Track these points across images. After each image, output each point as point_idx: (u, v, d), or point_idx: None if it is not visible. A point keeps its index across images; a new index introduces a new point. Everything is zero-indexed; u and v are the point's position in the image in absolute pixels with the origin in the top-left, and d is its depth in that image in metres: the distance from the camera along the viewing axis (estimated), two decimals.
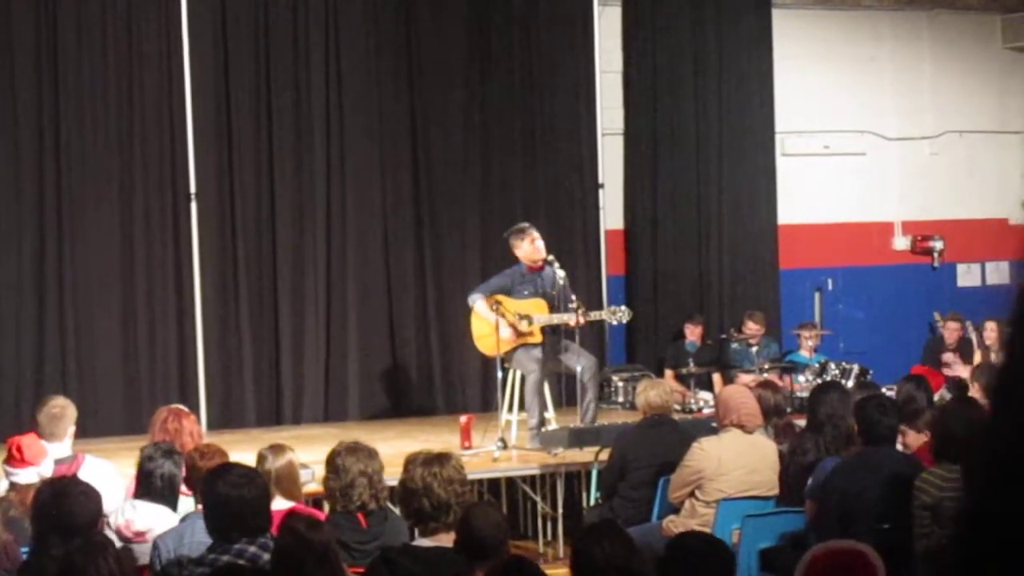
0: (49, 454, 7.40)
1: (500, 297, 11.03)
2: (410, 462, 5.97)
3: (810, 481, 7.81)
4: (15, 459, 7.21)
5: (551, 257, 11.09)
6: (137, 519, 6.64)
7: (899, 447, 8.06)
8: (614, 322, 11.61)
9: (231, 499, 5.48)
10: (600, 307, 13.83)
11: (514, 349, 11.04)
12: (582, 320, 10.87)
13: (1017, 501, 1.08)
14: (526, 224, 11.44)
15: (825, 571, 4.68)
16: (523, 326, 10.96)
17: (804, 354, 14.44)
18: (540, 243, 11.13)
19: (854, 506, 7.20)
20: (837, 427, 8.11)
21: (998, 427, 1.13)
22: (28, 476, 7.06)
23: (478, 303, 11.13)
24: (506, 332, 10.91)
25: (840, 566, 4.69)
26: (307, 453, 9.35)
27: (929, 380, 10.17)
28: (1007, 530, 1.08)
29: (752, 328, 14.36)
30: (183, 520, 6.38)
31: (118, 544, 6.53)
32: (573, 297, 10.95)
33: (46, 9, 12.87)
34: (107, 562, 5.13)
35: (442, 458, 5.95)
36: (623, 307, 11.45)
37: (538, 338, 11.04)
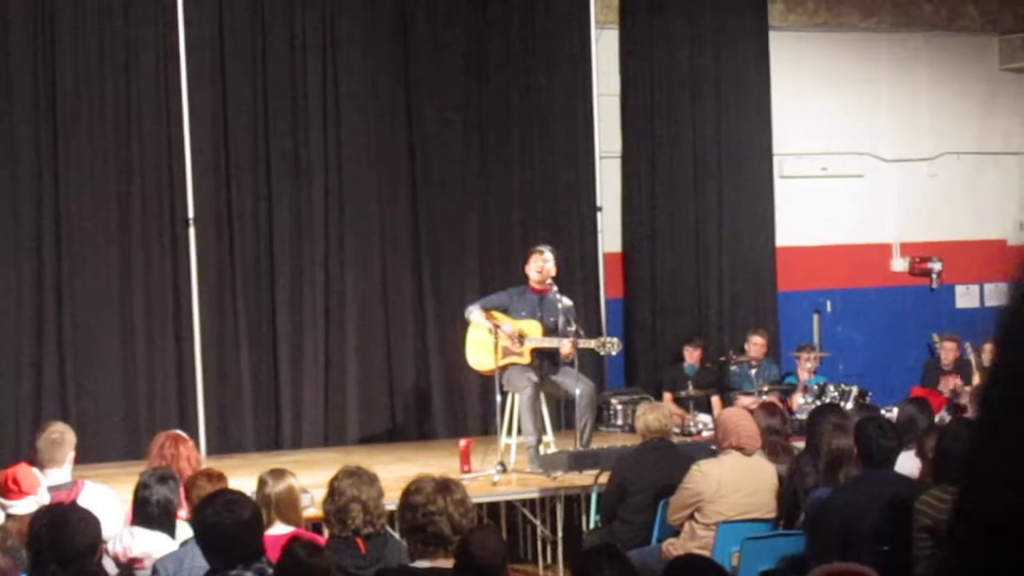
0: (44, 482, 7.38)
1: (498, 315, 11.08)
2: (422, 487, 5.87)
3: (803, 515, 7.79)
4: (12, 492, 7.19)
5: (549, 281, 11.12)
6: (135, 546, 6.64)
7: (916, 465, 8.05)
8: (603, 352, 11.61)
9: (218, 526, 5.47)
10: (599, 330, 13.85)
11: (506, 369, 11.05)
12: (574, 347, 10.86)
13: (1000, 508, 1.09)
14: (544, 247, 11.45)
15: None
16: (516, 347, 10.98)
17: (804, 376, 14.44)
18: (544, 265, 11.16)
19: (854, 528, 7.19)
20: (830, 452, 8.09)
21: (984, 439, 1.14)
22: (27, 506, 7.04)
23: (475, 314, 11.18)
24: (508, 328, 10.92)
25: None
26: (306, 477, 9.34)
27: (930, 402, 10.17)
28: (990, 539, 1.09)
29: (757, 343, 14.34)
30: (183, 545, 6.36)
31: (115, 571, 6.53)
32: (573, 324, 10.94)
33: (44, 36, 12.88)
34: None
35: (450, 483, 5.93)
36: (614, 339, 11.42)
37: (527, 359, 11.06)
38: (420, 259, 14.17)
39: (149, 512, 6.76)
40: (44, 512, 6.19)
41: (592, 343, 11.29)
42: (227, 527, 5.44)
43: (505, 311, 11.17)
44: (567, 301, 11.07)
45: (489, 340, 10.93)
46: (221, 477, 6.92)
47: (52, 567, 5.68)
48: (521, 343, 11.00)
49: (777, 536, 8.03)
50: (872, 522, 7.17)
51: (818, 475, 8.09)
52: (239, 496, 5.76)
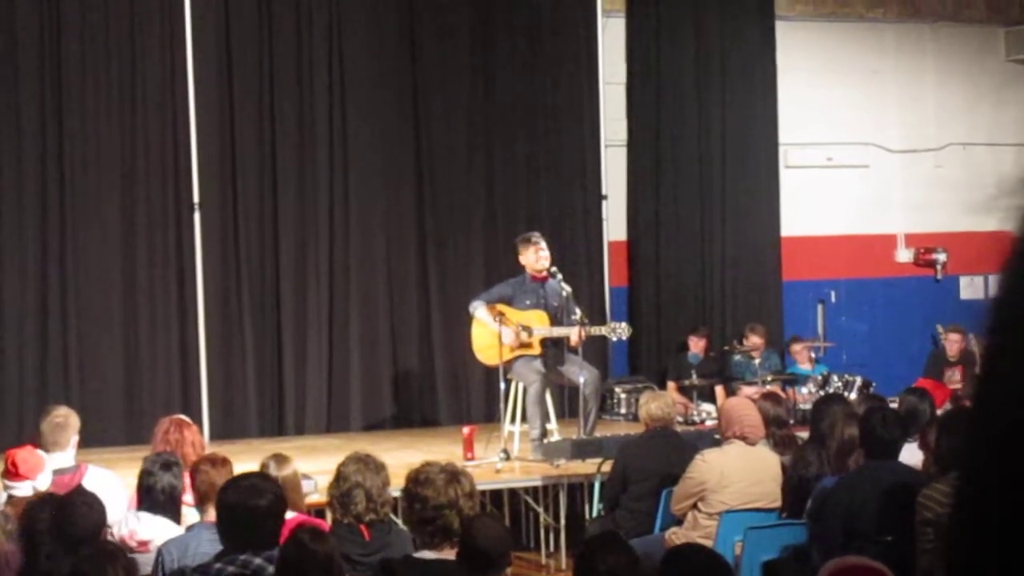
0: (47, 467, 7.38)
1: (503, 308, 11.05)
2: (432, 479, 5.80)
3: (809, 503, 7.79)
4: (11, 473, 7.20)
5: (554, 269, 11.11)
6: (140, 529, 6.64)
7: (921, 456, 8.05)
8: (614, 338, 11.61)
9: (235, 508, 5.46)
10: (603, 318, 13.85)
11: (514, 360, 11.04)
12: (583, 335, 10.85)
13: (996, 508, 1.08)
14: (534, 233, 11.44)
15: None
16: (523, 336, 10.97)
17: (805, 366, 14.44)
18: (544, 254, 11.13)
19: (857, 518, 7.19)
20: (841, 440, 8.10)
21: (977, 439, 1.13)
22: (24, 489, 7.05)
23: (479, 311, 11.14)
24: (509, 337, 10.90)
25: None
26: (309, 463, 9.36)
27: (933, 393, 10.16)
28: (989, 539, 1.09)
29: (753, 341, 14.36)
30: (189, 530, 6.37)
31: None
32: (577, 311, 10.95)
33: (50, 20, 12.88)
34: (115, 571, 5.13)
35: (459, 474, 5.88)
36: (623, 324, 11.43)
37: (537, 350, 11.05)
38: (425, 246, 14.17)
39: (155, 499, 6.76)
40: (43, 499, 6.20)
41: (602, 330, 11.29)
42: (243, 511, 5.43)
43: (509, 302, 11.15)
44: (566, 287, 11.06)
45: (496, 335, 10.92)
46: (225, 462, 6.90)
47: (56, 551, 5.69)
48: (530, 334, 10.98)
49: (780, 526, 8.03)
50: (875, 513, 7.17)
51: (822, 465, 8.09)
52: (262, 483, 5.72)
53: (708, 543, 7.36)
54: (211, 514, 6.07)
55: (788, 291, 15.86)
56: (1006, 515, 1.07)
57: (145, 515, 6.73)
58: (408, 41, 14.14)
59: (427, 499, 5.70)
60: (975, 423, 1.13)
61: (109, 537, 6.47)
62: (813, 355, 14.71)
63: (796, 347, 14.69)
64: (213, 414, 13.24)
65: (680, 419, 12.05)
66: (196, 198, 13.29)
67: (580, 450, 10.57)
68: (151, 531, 6.62)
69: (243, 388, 13.50)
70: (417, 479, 5.81)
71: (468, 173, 14.37)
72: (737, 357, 14.51)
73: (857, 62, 16.27)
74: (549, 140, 14.70)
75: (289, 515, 6.46)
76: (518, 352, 11.02)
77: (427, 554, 5.67)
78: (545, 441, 10.93)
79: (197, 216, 13.29)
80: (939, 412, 9.63)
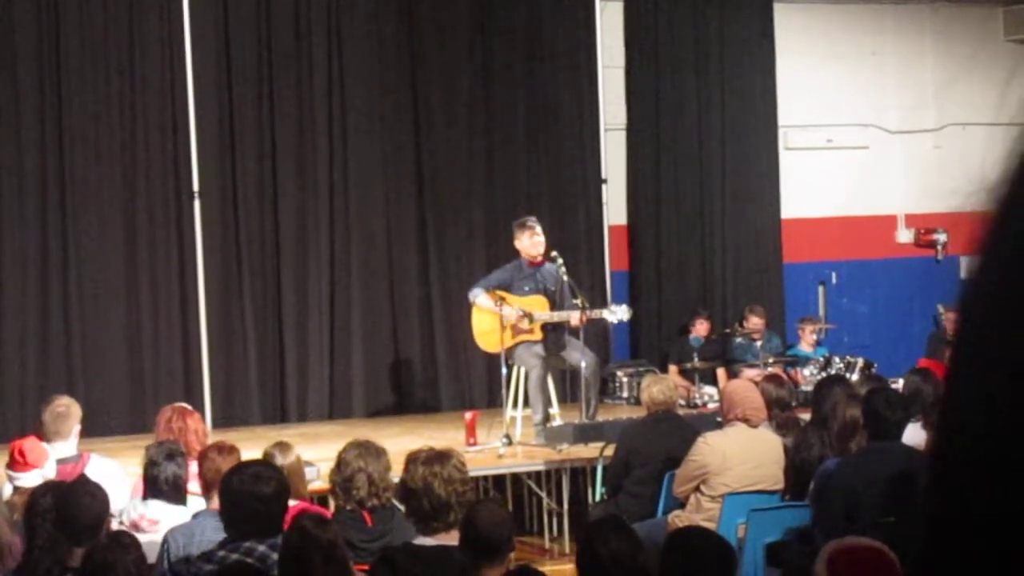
0: (51, 455, 7.39)
1: (502, 294, 11.04)
2: (411, 460, 5.94)
3: (812, 485, 7.80)
4: (18, 463, 7.21)
5: (554, 253, 11.09)
6: (148, 512, 6.66)
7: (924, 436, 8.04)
8: (614, 320, 11.59)
9: (240, 495, 5.47)
10: (604, 302, 13.84)
11: (515, 346, 11.03)
12: (584, 318, 10.84)
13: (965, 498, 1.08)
14: (530, 218, 11.43)
15: (849, 565, 4.68)
16: (524, 323, 10.95)
17: (805, 348, 14.43)
18: (539, 239, 11.12)
19: (859, 500, 7.20)
20: (843, 422, 8.10)
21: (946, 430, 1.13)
22: (32, 479, 7.06)
23: (480, 297, 11.12)
24: (510, 314, 10.87)
25: (863, 563, 4.69)
26: (312, 451, 9.36)
27: (935, 373, 10.16)
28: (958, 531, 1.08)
29: (754, 322, 14.35)
30: (195, 517, 6.38)
31: None
32: (578, 296, 10.93)
33: (48, 8, 12.86)
34: (127, 562, 5.15)
35: (443, 457, 5.92)
36: (623, 306, 11.42)
37: (539, 336, 11.04)
38: (425, 230, 14.16)
39: (159, 488, 6.77)
40: (49, 488, 6.20)
41: (603, 312, 11.29)
42: (247, 499, 5.45)
43: (508, 288, 11.14)
44: (563, 269, 11.03)
45: (497, 322, 10.91)
46: (233, 450, 6.90)
47: (60, 540, 5.69)
48: (530, 320, 10.98)
49: (783, 508, 8.04)
50: (878, 494, 7.17)
51: (824, 447, 8.09)
52: (267, 470, 5.74)
53: (711, 526, 7.36)
54: (217, 501, 6.08)
55: (789, 273, 15.86)
56: (972, 509, 1.06)
57: (152, 501, 6.74)
58: (407, 27, 14.12)
59: (404, 481, 5.79)
60: (945, 409, 1.12)
61: (117, 525, 6.48)
62: (815, 337, 14.71)
63: (809, 327, 14.64)
64: (215, 402, 13.25)
65: (682, 402, 12.04)
66: (196, 186, 13.28)
67: (582, 434, 10.57)
68: (160, 514, 6.64)
69: (245, 375, 13.50)
70: (405, 462, 5.92)
71: (468, 159, 14.36)
72: (738, 340, 14.51)
73: (856, 43, 16.25)
74: (549, 124, 14.69)
75: (293, 502, 6.48)
76: (519, 338, 11.02)
77: (427, 541, 5.68)
78: (547, 426, 10.93)
79: (197, 204, 13.29)
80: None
